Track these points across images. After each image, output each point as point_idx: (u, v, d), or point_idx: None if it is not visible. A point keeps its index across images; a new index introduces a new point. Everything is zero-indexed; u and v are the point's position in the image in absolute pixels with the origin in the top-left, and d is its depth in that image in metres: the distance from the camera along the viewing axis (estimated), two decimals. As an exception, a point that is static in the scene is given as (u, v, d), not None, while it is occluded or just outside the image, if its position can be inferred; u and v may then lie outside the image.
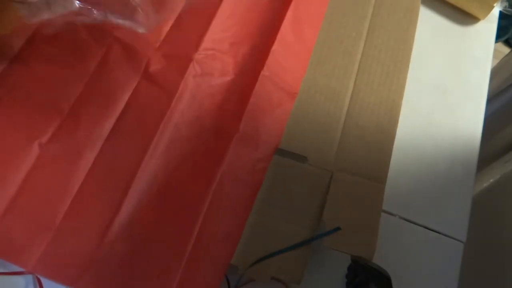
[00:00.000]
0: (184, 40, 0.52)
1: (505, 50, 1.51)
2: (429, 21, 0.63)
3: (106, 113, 0.47)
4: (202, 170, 0.46)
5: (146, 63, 0.50)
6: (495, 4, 0.61)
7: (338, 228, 0.44)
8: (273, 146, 0.49)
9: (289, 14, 0.55)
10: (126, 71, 0.50)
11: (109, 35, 0.51)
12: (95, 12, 0.41)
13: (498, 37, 1.20)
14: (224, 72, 0.51)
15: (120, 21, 0.43)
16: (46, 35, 0.49)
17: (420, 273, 0.49)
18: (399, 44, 0.56)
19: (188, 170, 0.47)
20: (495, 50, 0.65)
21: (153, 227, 0.44)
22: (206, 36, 0.52)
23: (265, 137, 0.49)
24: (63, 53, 0.49)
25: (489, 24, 0.65)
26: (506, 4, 0.64)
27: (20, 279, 0.43)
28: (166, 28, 0.52)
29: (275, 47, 0.52)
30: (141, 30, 0.44)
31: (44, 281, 0.42)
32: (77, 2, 0.39)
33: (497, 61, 0.96)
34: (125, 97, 0.48)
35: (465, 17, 0.65)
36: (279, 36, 0.53)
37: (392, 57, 0.55)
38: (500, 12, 0.66)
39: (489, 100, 0.63)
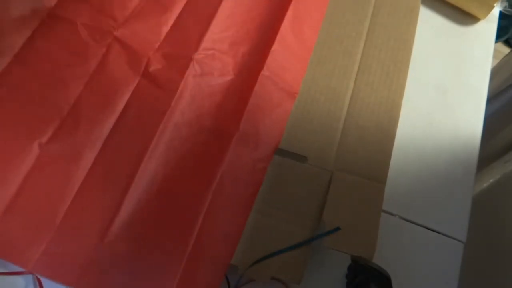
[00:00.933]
0: (184, 40, 0.52)
1: (505, 50, 1.51)
2: (429, 21, 0.63)
3: (106, 113, 0.47)
4: (202, 170, 0.46)
5: (146, 63, 0.50)
6: (495, 4, 0.61)
7: (338, 228, 0.44)
8: (273, 146, 0.48)
9: (289, 14, 0.55)
10: (126, 71, 0.50)
11: (109, 35, 0.51)
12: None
13: (498, 37, 1.20)
14: (224, 72, 0.51)
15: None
16: (46, 35, 0.49)
17: (420, 273, 0.49)
18: (399, 44, 0.56)
19: (188, 170, 0.47)
20: (495, 50, 0.65)
21: (153, 227, 0.44)
22: (206, 36, 0.52)
23: (265, 137, 0.49)
24: (63, 53, 0.49)
25: (489, 24, 0.65)
26: (506, 4, 0.64)
27: (20, 279, 0.43)
28: (166, 28, 0.52)
29: (275, 47, 0.52)
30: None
31: (44, 281, 0.42)
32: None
33: (497, 61, 0.96)
34: (125, 97, 0.48)
35: (465, 17, 0.65)
36: (279, 36, 0.53)
37: (392, 57, 0.55)
38: (500, 12, 0.66)
39: (489, 100, 0.63)
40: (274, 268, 0.43)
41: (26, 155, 0.44)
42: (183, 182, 0.46)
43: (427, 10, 0.64)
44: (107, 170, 0.46)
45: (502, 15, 0.66)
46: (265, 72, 0.50)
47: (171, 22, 0.53)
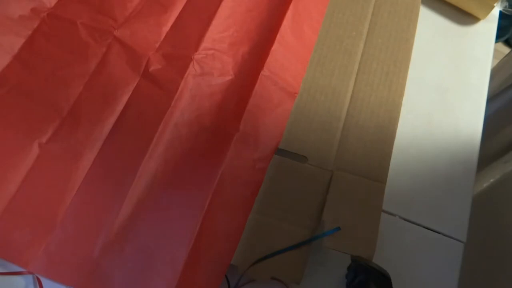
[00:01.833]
0: (184, 40, 0.52)
1: (505, 50, 1.51)
2: (429, 21, 0.63)
3: (106, 113, 0.47)
4: (202, 170, 0.46)
5: (146, 63, 0.50)
6: (495, 4, 0.61)
7: (338, 228, 0.44)
8: (273, 146, 0.48)
9: (289, 14, 0.55)
10: (126, 71, 0.50)
11: (109, 35, 0.51)
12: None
13: (498, 37, 1.20)
14: (224, 72, 0.51)
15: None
16: (46, 35, 0.49)
17: (420, 273, 0.49)
18: (399, 44, 0.56)
19: (188, 170, 0.47)
20: (495, 50, 0.65)
21: (153, 227, 0.44)
22: (206, 36, 0.52)
23: (265, 137, 0.49)
24: (63, 53, 0.50)
25: (489, 24, 0.65)
26: (506, 4, 0.64)
27: (20, 279, 0.43)
28: (166, 28, 0.52)
29: (275, 47, 0.52)
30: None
31: (44, 281, 0.42)
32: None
33: (497, 61, 0.96)
34: (125, 97, 0.48)
35: (465, 17, 0.65)
36: (279, 36, 0.53)
37: (392, 57, 0.55)
38: (500, 12, 0.66)
39: (489, 100, 0.63)
40: (274, 268, 0.43)
41: (26, 155, 0.44)
42: (183, 182, 0.46)
43: (427, 10, 0.64)
44: (107, 170, 0.46)
45: (502, 15, 0.66)
46: (265, 72, 0.50)
47: (171, 22, 0.53)
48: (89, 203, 0.44)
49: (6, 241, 0.42)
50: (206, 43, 0.52)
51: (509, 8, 0.64)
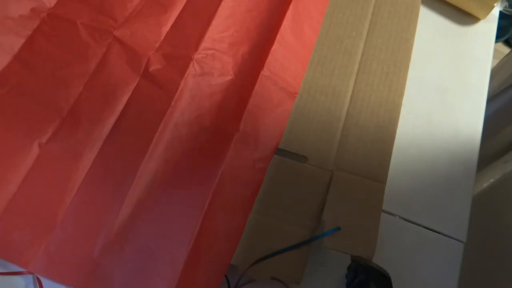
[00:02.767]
0: (184, 40, 0.52)
1: (505, 50, 1.51)
2: (429, 21, 0.63)
3: (106, 113, 0.47)
4: (202, 170, 0.46)
5: (146, 63, 0.50)
6: (495, 4, 0.61)
7: (338, 228, 0.44)
8: (273, 146, 0.48)
9: (289, 14, 0.55)
10: (126, 71, 0.50)
11: (109, 35, 0.51)
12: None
13: (498, 37, 1.20)
14: (223, 72, 0.51)
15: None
16: (46, 35, 0.49)
17: (420, 273, 0.49)
18: (399, 44, 0.56)
19: (188, 170, 0.47)
20: (495, 50, 0.65)
21: (153, 227, 0.44)
22: (206, 36, 0.52)
23: (265, 137, 0.49)
24: (63, 53, 0.50)
25: (489, 24, 0.65)
26: (506, 4, 0.64)
27: (20, 279, 0.43)
28: (166, 28, 0.52)
29: (275, 46, 0.52)
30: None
31: (44, 281, 0.42)
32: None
33: (497, 61, 0.96)
34: (125, 97, 0.48)
35: (465, 17, 0.65)
36: (278, 36, 0.53)
37: (392, 57, 0.55)
38: (500, 12, 0.66)
39: (489, 100, 0.63)
40: (274, 268, 0.43)
41: (26, 155, 0.44)
42: (183, 182, 0.46)
43: (427, 10, 0.64)
44: (107, 170, 0.46)
45: (502, 15, 0.66)
46: (265, 72, 0.50)
47: (171, 22, 0.53)
48: (89, 203, 0.44)
49: (6, 241, 0.42)
50: (206, 43, 0.52)
51: (509, 8, 0.64)
